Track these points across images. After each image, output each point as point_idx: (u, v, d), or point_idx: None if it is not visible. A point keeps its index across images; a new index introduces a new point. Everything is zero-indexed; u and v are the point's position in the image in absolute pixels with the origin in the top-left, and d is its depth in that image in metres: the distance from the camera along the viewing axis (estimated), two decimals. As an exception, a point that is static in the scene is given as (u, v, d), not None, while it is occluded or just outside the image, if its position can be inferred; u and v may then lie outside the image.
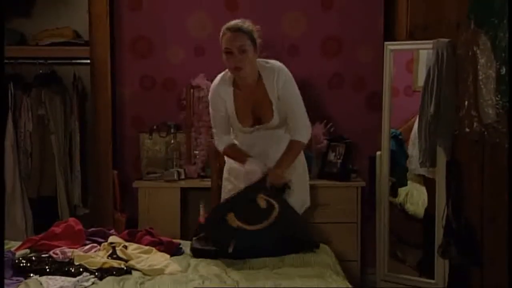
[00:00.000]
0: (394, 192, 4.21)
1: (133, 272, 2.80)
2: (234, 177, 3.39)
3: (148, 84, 4.44)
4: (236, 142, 3.38)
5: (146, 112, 4.45)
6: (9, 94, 4.27)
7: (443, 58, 3.55)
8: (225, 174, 3.50)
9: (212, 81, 4.19)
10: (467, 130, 3.34)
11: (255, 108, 3.27)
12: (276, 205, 3.02)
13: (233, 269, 2.86)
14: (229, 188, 3.42)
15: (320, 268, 2.88)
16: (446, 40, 3.56)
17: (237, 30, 3.17)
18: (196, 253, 3.06)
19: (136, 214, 4.20)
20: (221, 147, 3.39)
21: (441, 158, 3.66)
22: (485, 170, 3.37)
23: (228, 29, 3.20)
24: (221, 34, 3.23)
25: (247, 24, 3.22)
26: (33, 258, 2.85)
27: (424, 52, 3.97)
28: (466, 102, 3.34)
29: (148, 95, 4.44)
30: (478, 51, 3.20)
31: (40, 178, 4.37)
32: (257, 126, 3.29)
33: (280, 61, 4.35)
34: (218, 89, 3.33)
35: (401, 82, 4.27)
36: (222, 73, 3.37)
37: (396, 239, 4.20)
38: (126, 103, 4.45)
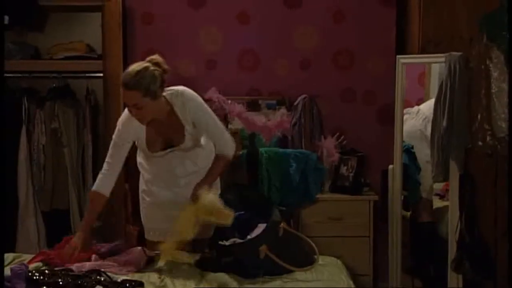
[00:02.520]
0: (406, 206, 4.19)
1: (146, 285, 2.80)
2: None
3: (160, 97, 4.46)
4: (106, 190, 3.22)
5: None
6: (23, 108, 4.31)
7: (456, 72, 3.54)
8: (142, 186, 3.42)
9: (223, 93, 4.27)
10: (480, 143, 3.32)
11: (166, 135, 3.20)
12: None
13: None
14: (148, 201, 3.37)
15: (332, 282, 2.87)
16: (458, 53, 3.56)
17: (129, 87, 2.97)
18: (205, 267, 3.05)
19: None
20: (95, 188, 3.23)
21: (454, 172, 3.64)
22: (498, 183, 3.34)
23: (123, 83, 3.00)
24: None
25: (141, 74, 2.99)
26: (46, 271, 2.85)
27: (436, 65, 3.96)
28: (479, 116, 3.32)
29: (160, 109, 4.46)
30: (491, 65, 3.19)
31: (52, 191, 4.40)
32: (169, 149, 3.21)
33: (292, 74, 4.44)
34: (129, 122, 3.17)
35: (413, 96, 4.27)
36: None
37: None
38: (139, 117, 4.47)
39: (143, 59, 4.37)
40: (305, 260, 3.04)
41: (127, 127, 3.20)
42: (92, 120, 4.46)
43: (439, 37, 3.88)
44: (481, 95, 3.30)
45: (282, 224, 3.07)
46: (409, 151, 4.12)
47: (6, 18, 4.25)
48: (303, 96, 4.34)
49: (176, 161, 3.24)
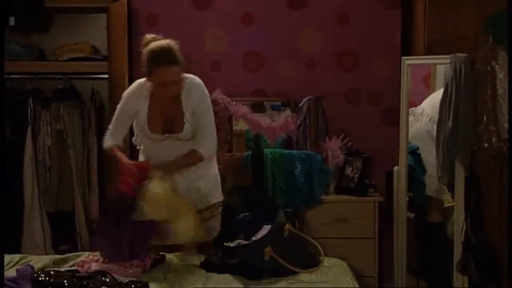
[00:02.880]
0: (411, 207, 4.17)
1: (151, 286, 2.80)
2: None
3: (165, 98, 4.46)
4: (121, 144, 3.27)
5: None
6: (29, 109, 4.32)
7: (461, 73, 3.53)
8: None
9: (228, 95, 4.27)
10: (486, 145, 3.32)
11: (167, 118, 3.20)
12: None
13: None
14: None
15: (337, 284, 2.87)
16: (464, 55, 3.55)
17: (174, 62, 3.04)
18: (210, 268, 3.05)
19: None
20: (109, 144, 3.24)
21: (460, 173, 3.63)
22: (504, 185, 3.34)
23: (166, 60, 3.04)
24: (148, 60, 3.07)
25: (175, 49, 3.07)
26: (52, 272, 2.86)
27: (441, 66, 3.96)
28: (485, 117, 3.32)
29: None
30: (496, 66, 3.19)
31: (58, 192, 4.41)
32: (166, 135, 3.19)
33: (297, 75, 4.44)
34: (134, 95, 3.22)
35: (418, 97, 4.25)
36: (141, 82, 3.24)
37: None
38: (144, 118, 4.47)
39: (148, 60, 4.45)
40: (310, 262, 3.04)
41: (132, 99, 3.22)
42: (97, 121, 4.47)
43: (444, 38, 3.87)
44: (487, 97, 3.30)
45: (287, 225, 3.07)
46: (414, 153, 4.11)
47: (12, 19, 4.27)
48: (308, 97, 4.34)
49: (171, 148, 3.17)
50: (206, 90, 3.24)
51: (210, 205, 3.31)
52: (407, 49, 4.35)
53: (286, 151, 4.20)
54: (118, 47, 4.28)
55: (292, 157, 4.15)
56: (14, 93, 4.39)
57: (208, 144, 3.19)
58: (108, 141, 3.26)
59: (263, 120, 4.30)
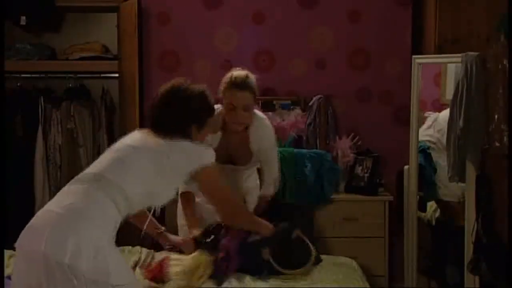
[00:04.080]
0: (422, 207, 4.16)
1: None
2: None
3: (175, 97, 4.47)
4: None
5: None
6: (40, 108, 4.34)
7: (472, 72, 3.51)
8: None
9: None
10: (497, 144, 3.30)
11: (233, 152, 3.24)
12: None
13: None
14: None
15: (347, 283, 2.86)
16: (475, 53, 3.53)
17: (244, 88, 3.06)
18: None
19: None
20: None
21: (471, 173, 3.61)
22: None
23: (234, 85, 3.07)
24: (224, 85, 3.11)
25: (250, 78, 3.11)
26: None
27: (452, 65, 3.94)
28: (496, 116, 3.30)
29: (175, 109, 4.46)
30: (508, 65, 3.17)
31: (69, 191, 4.41)
32: (228, 166, 3.24)
33: (307, 74, 4.43)
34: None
35: (429, 96, 4.24)
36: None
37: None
38: (154, 117, 4.48)
39: (159, 59, 4.47)
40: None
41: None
42: (108, 120, 4.48)
43: (455, 36, 3.85)
44: (498, 95, 3.28)
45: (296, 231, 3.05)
46: (425, 152, 4.10)
47: (23, 18, 4.29)
48: (318, 96, 4.34)
49: (229, 175, 3.21)
50: (271, 126, 3.32)
51: None
52: (418, 48, 4.33)
53: (296, 150, 4.20)
54: (129, 46, 4.28)
55: (302, 156, 4.14)
56: (25, 92, 4.41)
57: (275, 183, 3.41)
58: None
59: (273, 119, 4.30)
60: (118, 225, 2.34)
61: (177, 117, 2.57)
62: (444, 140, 3.76)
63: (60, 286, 2.11)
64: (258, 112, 3.28)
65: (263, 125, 3.26)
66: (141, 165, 2.41)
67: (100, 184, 2.33)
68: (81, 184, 2.36)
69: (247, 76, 3.10)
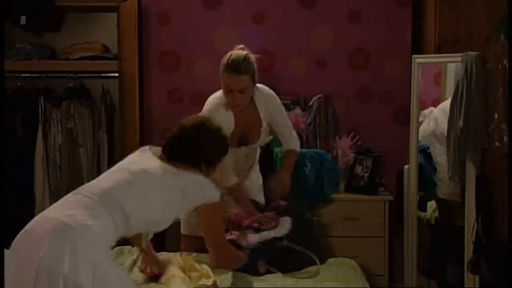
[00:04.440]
0: (422, 206, 4.16)
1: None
2: None
3: (176, 97, 4.48)
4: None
5: (174, 125, 4.44)
6: (40, 108, 4.34)
7: (472, 72, 3.51)
8: None
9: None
10: (497, 144, 3.30)
11: (245, 130, 3.26)
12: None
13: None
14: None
15: (347, 282, 2.86)
16: (475, 53, 3.53)
17: (240, 72, 3.07)
18: None
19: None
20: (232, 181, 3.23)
21: (471, 172, 3.61)
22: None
23: (231, 68, 3.07)
24: (222, 67, 3.13)
25: (248, 60, 3.10)
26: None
27: (452, 65, 3.94)
28: (496, 116, 3.30)
29: (176, 109, 4.46)
30: (508, 65, 3.17)
31: (68, 191, 4.37)
32: (242, 147, 3.29)
33: (307, 74, 4.43)
34: (217, 111, 3.15)
35: (429, 95, 4.24)
36: (219, 95, 3.24)
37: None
38: (154, 117, 4.49)
39: (159, 59, 4.46)
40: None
41: (215, 116, 2.98)
42: (108, 120, 4.48)
43: (455, 36, 3.85)
44: (498, 95, 3.28)
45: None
46: (425, 151, 4.10)
47: (23, 18, 4.29)
48: (318, 96, 4.34)
49: (242, 156, 3.32)
50: (277, 96, 3.40)
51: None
52: (418, 48, 4.34)
53: (296, 150, 4.20)
54: (129, 46, 4.28)
55: (302, 156, 4.13)
56: (25, 92, 4.42)
57: (296, 141, 3.49)
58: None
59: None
60: (113, 244, 2.36)
61: (195, 152, 2.62)
62: (440, 130, 3.76)
63: None
64: (260, 85, 3.30)
65: (267, 93, 3.33)
66: (151, 196, 2.43)
67: (104, 201, 2.33)
68: (86, 196, 2.35)
69: (244, 58, 3.09)
